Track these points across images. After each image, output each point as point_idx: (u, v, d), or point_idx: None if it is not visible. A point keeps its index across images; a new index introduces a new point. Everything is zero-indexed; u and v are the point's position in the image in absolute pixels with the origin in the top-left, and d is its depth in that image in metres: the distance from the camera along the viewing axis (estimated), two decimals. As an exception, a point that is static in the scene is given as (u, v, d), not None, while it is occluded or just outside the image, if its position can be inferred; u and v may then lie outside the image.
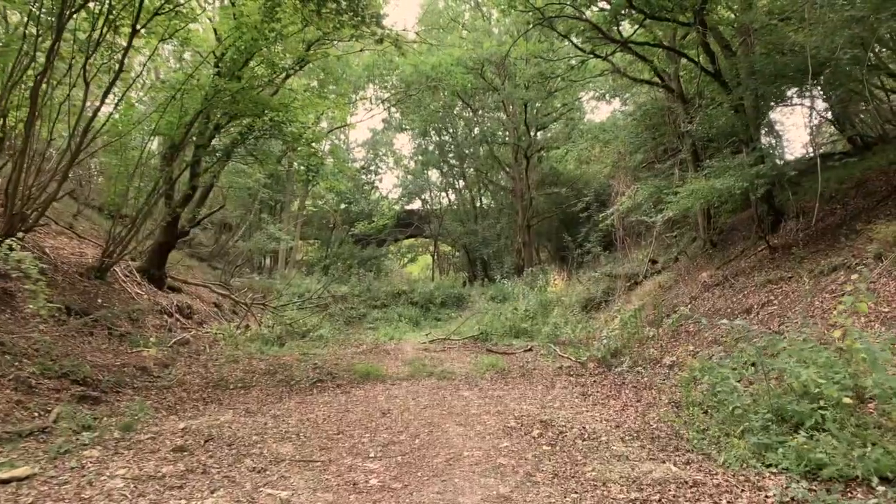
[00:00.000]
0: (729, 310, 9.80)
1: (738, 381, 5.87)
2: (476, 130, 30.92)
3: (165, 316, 13.06)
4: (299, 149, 15.78)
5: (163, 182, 13.28)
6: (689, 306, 11.32)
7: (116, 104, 11.63)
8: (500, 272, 23.48)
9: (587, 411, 6.85)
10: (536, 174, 26.13)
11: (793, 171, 11.04)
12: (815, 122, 16.28)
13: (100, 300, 11.71)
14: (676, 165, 15.88)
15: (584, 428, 5.95)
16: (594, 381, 8.80)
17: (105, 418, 6.86)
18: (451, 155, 30.62)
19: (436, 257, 37.20)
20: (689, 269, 14.19)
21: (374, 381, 9.41)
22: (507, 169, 25.58)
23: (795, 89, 12.13)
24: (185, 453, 5.52)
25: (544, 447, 5.32)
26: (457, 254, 36.15)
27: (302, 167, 18.99)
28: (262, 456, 5.35)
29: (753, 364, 6.34)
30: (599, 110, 55.11)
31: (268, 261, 28.85)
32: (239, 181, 19.62)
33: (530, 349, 11.95)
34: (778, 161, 11.96)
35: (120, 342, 10.46)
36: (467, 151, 29.00)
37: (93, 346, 9.71)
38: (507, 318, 15.11)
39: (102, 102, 11.18)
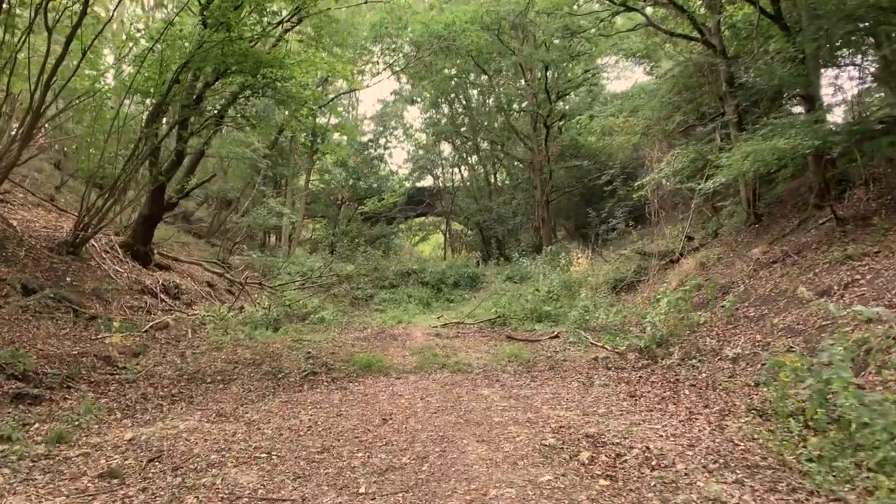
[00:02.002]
0: (798, 291, 8.21)
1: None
2: (491, 101, 29.18)
3: (146, 296, 11.68)
4: (300, 112, 14.27)
5: (144, 145, 11.83)
6: (743, 288, 9.75)
7: (83, 55, 10.13)
8: (516, 251, 21.91)
9: (643, 421, 5.35)
10: (556, 146, 24.42)
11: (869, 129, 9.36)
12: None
13: (69, 278, 10.35)
14: (718, 129, 14.17)
15: (646, 448, 4.46)
16: (640, 378, 7.29)
17: (37, 424, 5.48)
18: (463, 129, 28.95)
19: (447, 236, 35.68)
20: (735, 246, 12.58)
21: (375, 375, 7.96)
22: (525, 140, 23.88)
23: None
24: (114, 482, 4.10)
25: (601, 482, 3.84)
26: (469, 232, 34.59)
27: (304, 135, 17.47)
28: (212, 490, 3.91)
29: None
30: (620, 81, 53.00)
31: (272, 238, 27.49)
32: (237, 150, 18.12)
33: (556, 336, 10.45)
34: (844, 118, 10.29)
35: (86, 326, 9.09)
36: (482, 122, 27.29)
37: (50, 331, 8.33)
38: (528, 301, 13.60)
39: (65, 51, 9.69)
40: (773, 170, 11.13)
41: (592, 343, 9.50)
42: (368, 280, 18.83)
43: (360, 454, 4.62)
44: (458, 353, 9.29)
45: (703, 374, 6.88)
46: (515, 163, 29.14)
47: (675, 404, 5.89)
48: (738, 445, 4.43)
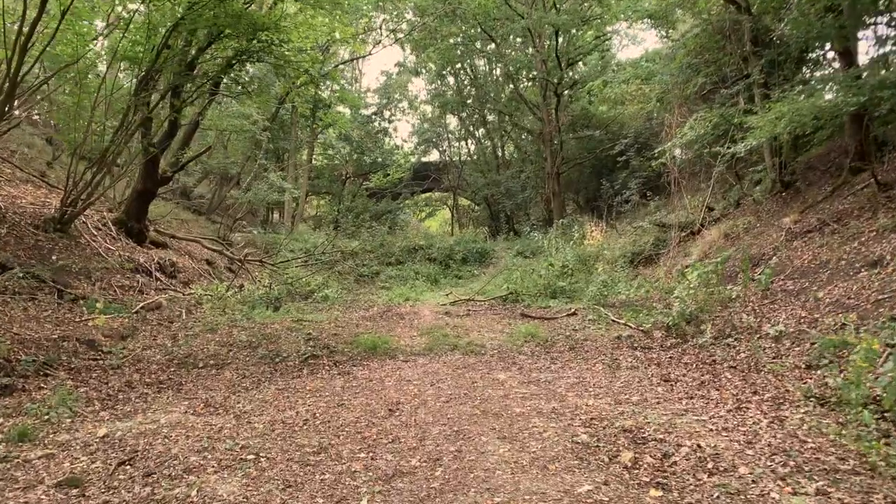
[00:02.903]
0: (843, 262, 7.49)
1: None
2: (498, 71, 28.16)
3: (139, 275, 11.07)
4: (299, 78, 13.47)
5: (133, 114, 11.10)
6: (777, 259, 9.03)
7: (62, 16, 9.37)
8: (527, 225, 21.15)
9: (685, 411, 4.69)
10: (566, 117, 23.48)
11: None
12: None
13: (54, 257, 9.73)
14: (742, 92, 13.30)
15: (697, 446, 3.80)
16: (671, 359, 6.63)
17: (1, 419, 4.88)
18: (469, 101, 27.97)
19: (455, 211, 34.92)
20: (762, 215, 11.82)
21: (381, 358, 7.32)
22: (535, 109, 22.94)
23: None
24: (72, 493, 3.49)
25: (652, 493, 3.18)
26: (476, 208, 33.80)
27: (305, 107, 16.64)
28: None
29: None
30: (629, 49, 51.80)
31: (275, 215, 26.83)
32: (235, 123, 17.33)
33: (574, 313, 9.77)
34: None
35: (71, 308, 8.48)
36: (489, 93, 26.33)
37: (29, 313, 7.73)
38: (541, 276, 12.90)
39: (41, 12, 8.93)
40: (809, 132, 10.34)
41: (614, 320, 8.83)
42: (374, 257, 18.16)
43: (362, 455, 3.99)
44: (470, 332, 8.63)
45: (742, 355, 6.21)
46: (523, 136, 28.25)
47: (717, 390, 5.22)
48: (805, 443, 3.77)
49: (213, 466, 3.80)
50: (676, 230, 13.30)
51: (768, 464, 3.46)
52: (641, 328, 8.14)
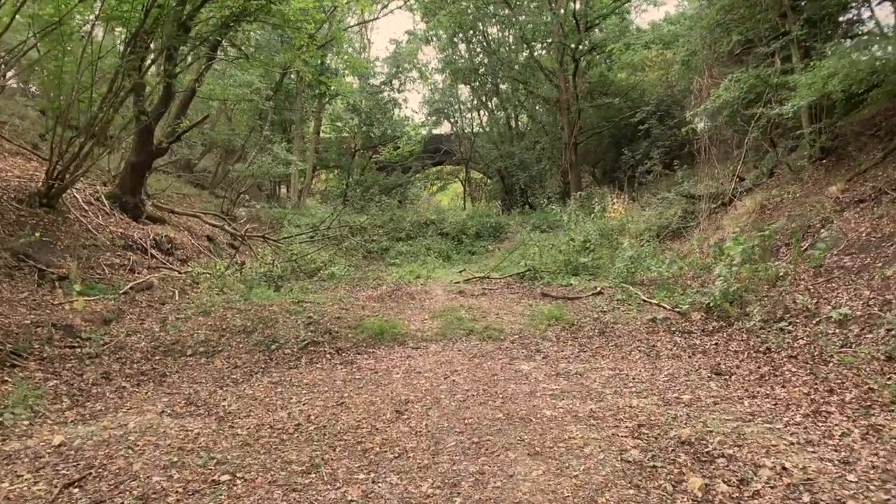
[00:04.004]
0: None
1: None
2: (511, 39, 26.94)
3: (132, 253, 10.37)
4: (301, 40, 12.53)
5: (123, 79, 10.29)
6: (827, 233, 8.13)
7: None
8: (543, 198, 20.20)
9: (751, 415, 3.90)
10: (584, 84, 22.36)
11: None
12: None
13: (38, 233, 9.03)
14: (779, 51, 12.24)
15: (781, 468, 3.02)
16: (717, 346, 5.82)
17: (-53, 422, 4.20)
18: (482, 70, 26.82)
19: (467, 185, 33.94)
20: (802, 184, 10.87)
21: (389, 344, 6.57)
22: (552, 76, 21.83)
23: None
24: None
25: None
26: (489, 181, 32.80)
27: (310, 75, 15.72)
28: (131, 551, 2.56)
29: None
30: (649, 13, 50.19)
31: (282, 189, 26.06)
32: (237, 92, 16.45)
33: (599, 292, 8.94)
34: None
35: (52, 289, 7.79)
36: (502, 60, 25.16)
37: (3, 295, 7.05)
38: (561, 251, 12.06)
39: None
40: (863, 90, 9.34)
41: (645, 300, 8.01)
42: (383, 232, 17.37)
43: (361, 475, 3.24)
44: (487, 314, 7.85)
45: (801, 342, 5.39)
46: (538, 107, 27.14)
47: (782, 386, 4.43)
48: (922, 466, 2.97)
49: (176, 492, 3.07)
50: (707, 201, 12.38)
51: (884, 497, 2.67)
52: (677, 309, 7.32)
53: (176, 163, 19.85)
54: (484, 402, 4.43)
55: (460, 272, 12.83)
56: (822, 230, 8.38)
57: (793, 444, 3.35)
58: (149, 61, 11.50)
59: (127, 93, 10.77)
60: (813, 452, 3.21)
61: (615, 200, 15.62)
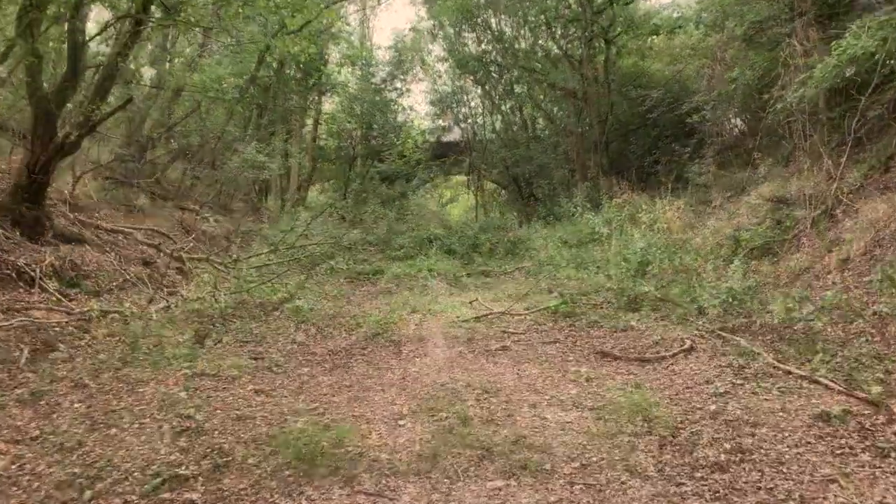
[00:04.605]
0: None
1: None
2: (527, 29, 23.77)
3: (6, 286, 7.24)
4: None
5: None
6: None
7: None
8: (572, 206, 16.88)
9: None
10: (616, 74, 19.18)
11: None
12: None
13: None
14: None
15: None
16: None
17: None
18: (493, 68, 23.70)
19: (478, 195, 30.63)
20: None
21: (314, 497, 3.27)
22: (576, 63, 18.61)
23: None
24: None
25: None
26: (502, 192, 29.57)
27: (296, 50, 12.49)
28: None
29: None
30: None
31: (269, 200, 22.99)
32: (199, 81, 13.40)
33: (691, 348, 5.64)
34: None
35: None
36: (516, 52, 22.03)
37: None
38: (609, 276, 8.76)
39: None
40: None
41: (782, 369, 4.67)
42: (376, 250, 14.15)
43: None
44: (514, 405, 4.48)
45: None
46: (555, 108, 23.98)
47: None
48: None
49: None
50: (808, 208, 9.04)
51: None
52: (862, 394, 4.00)
53: (139, 170, 16.84)
54: None
55: (471, 303, 9.52)
56: None
57: None
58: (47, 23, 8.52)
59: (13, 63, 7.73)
60: None
61: (667, 208, 12.25)
